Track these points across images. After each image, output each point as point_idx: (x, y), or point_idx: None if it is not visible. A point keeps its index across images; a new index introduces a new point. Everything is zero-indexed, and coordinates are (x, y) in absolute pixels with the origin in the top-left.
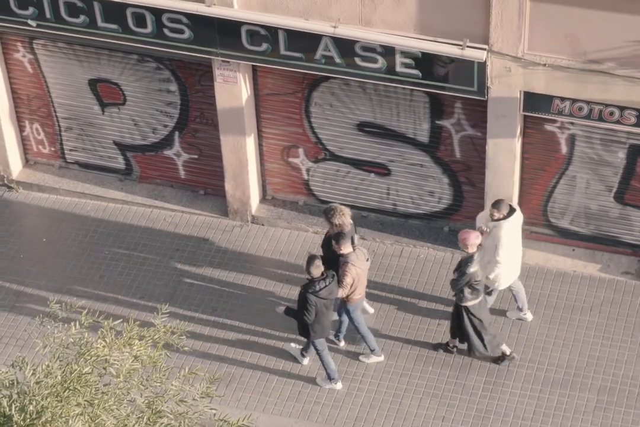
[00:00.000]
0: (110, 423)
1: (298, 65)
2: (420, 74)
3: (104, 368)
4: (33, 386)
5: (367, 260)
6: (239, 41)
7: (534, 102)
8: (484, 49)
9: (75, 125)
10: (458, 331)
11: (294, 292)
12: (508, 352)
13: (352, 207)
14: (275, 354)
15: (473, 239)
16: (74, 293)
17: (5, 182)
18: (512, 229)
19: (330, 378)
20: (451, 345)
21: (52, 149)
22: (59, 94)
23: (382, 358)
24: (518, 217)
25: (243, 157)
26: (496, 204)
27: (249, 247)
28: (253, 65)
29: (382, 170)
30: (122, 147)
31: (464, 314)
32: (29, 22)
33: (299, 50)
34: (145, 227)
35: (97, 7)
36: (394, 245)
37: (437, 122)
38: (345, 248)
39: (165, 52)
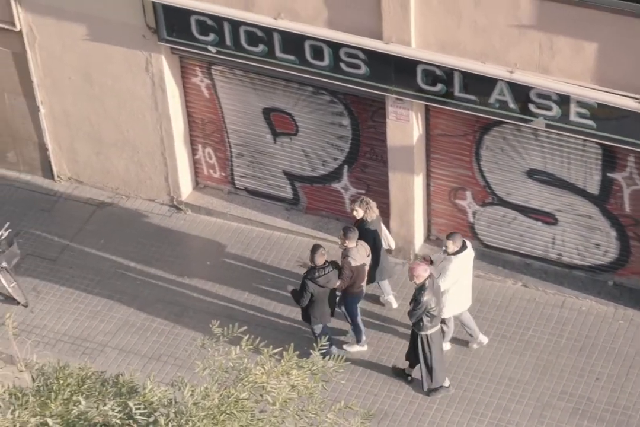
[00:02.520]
0: None
1: (472, 108)
2: (594, 125)
3: (261, 395)
4: (190, 406)
5: (368, 256)
6: (414, 80)
7: None
8: None
9: (246, 152)
10: (414, 359)
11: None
12: (447, 384)
13: (515, 253)
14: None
15: (420, 271)
16: (235, 317)
17: (175, 203)
18: (462, 264)
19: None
20: (408, 373)
21: (223, 174)
22: (233, 120)
23: (365, 348)
24: (469, 253)
25: (410, 195)
26: (451, 237)
27: (410, 286)
28: (426, 105)
29: (549, 218)
30: (291, 177)
31: (421, 343)
32: (209, 48)
33: (474, 92)
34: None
35: (276, 37)
36: (556, 295)
37: (608, 174)
38: (350, 242)
39: (340, 86)
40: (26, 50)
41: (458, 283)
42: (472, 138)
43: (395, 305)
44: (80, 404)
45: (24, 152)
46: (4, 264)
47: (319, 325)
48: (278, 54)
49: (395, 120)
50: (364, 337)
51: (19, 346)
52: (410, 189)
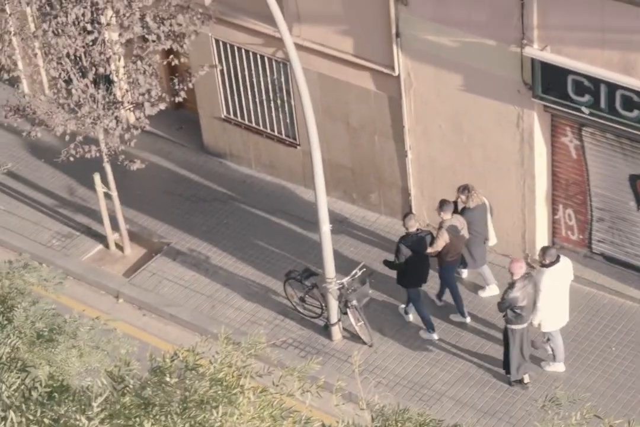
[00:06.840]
0: None
1: None
2: None
3: None
4: None
5: (462, 229)
6: None
7: None
8: None
9: (607, 217)
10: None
11: None
12: (526, 381)
13: None
14: None
15: (515, 268)
16: (576, 383)
17: (529, 261)
18: (555, 277)
19: (427, 329)
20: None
21: (580, 236)
22: (598, 183)
23: (468, 320)
24: (563, 266)
25: None
26: (545, 250)
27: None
28: None
29: None
30: None
31: (505, 335)
32: (583, 109)
33: None
34: None
35: None
36: None
37: None
38: (445, 215)
39: None
40: (401, 95)
41: (554, 297)
42: None
43: (484, 295)
44: None
45: (386, 195)
46: (355, 302)
47: (412, 289)
48: None
49: None
50: (464, 310)
51: (362, 384)
52: None
